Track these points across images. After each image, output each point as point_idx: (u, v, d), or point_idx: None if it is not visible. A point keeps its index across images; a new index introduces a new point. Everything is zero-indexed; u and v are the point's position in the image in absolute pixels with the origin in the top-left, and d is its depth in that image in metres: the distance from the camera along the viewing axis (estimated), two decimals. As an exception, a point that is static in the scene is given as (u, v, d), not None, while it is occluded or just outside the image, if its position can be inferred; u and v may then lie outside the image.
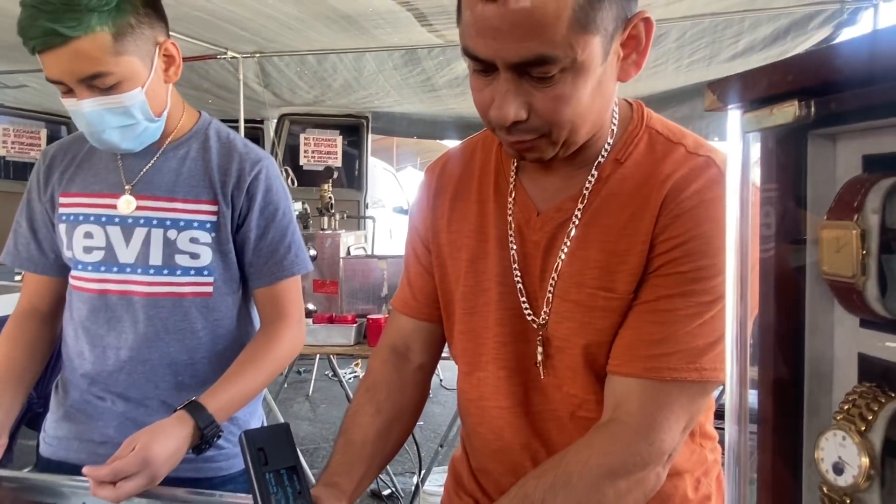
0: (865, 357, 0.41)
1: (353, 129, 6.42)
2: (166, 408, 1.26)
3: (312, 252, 3.23)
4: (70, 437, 1.32)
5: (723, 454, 0.49)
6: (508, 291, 0.94)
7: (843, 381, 0.43)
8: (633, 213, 0.86)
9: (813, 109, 0.40)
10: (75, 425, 1.32)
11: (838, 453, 0.39)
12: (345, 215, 4.06)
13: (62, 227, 1.31)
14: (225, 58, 4.79)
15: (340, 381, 4.09)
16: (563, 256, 0.89)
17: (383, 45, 4.61)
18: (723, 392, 0.50)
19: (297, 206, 3.63)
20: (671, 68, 4.71)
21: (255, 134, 6.26)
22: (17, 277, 3.16)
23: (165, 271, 1.27)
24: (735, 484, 0.47)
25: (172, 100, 1.28)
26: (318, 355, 4.72)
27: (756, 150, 0.46)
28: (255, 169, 1.31)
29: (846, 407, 0.39)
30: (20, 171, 6.09)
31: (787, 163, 0.44)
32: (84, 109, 1.15)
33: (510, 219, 0.94)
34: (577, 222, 0.89)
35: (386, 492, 3.39)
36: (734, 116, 0.45)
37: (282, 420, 3.32)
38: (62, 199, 1.31)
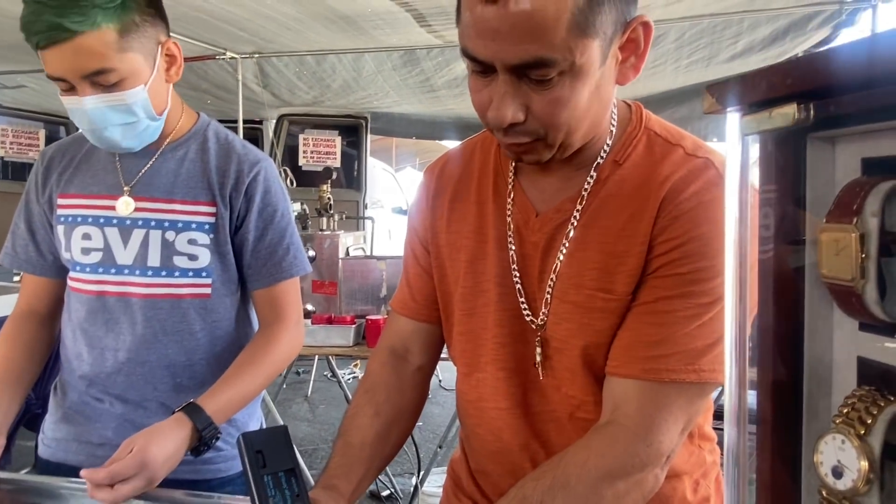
0: (865, 360, 0.41)
1: (351, 130, 6.42)
2: (165, 409, 1.26)
3: (311, 253, 3.23)
4: (68, 439, 1.32)
5: (721, 455, 0.49)
6: (507, 292, 0.94)
7: (842, 385, 0.43)
8: (632, 214, 0.86)
9: (812, 112, 0.39)
10: (74, 427, 1.32)
11: (837, 457, 0.39)
12: (343, 216, 4.06)
13: (60, 229, 1.30)
14: (224, 58, 4.78)
15: (339, 382, 4.10)
16: (561, 258, 0.90)
17: (382, 46, 4.61)
18: (722, 393, 0.49)
19: (296, 207, 3.62)
20: (670, 69, 4.72)
21: (253, 134, 6.26)
22: (16, 278, 3.16)
23: (164, 273, 1.27)
24: (734, 486, 0.47)
25: (172, 100, 1.28)
26: (316, 356, 4.72)
27: (755, 151, 0.46)
28: (254, 170, 1.31)
29: (845, 410, 0.39)
30: (18, 171, 6.09)
31: (785, 165, 0.44)
32: (86, 106, 1.15)
33: (509, 219, 0.94)
34: (575, 223, 0.89)
35: (385, 493, 3.39)
36: (733, 119, 0.44)
37: (280, 421, 3.32)
38: (60, 201, 1.31)
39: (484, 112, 0.81)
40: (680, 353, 0.82)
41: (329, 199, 3.75)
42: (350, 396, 3.55)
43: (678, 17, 3.99)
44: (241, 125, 5.17)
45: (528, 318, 0.93)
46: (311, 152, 6.26)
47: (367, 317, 2.89)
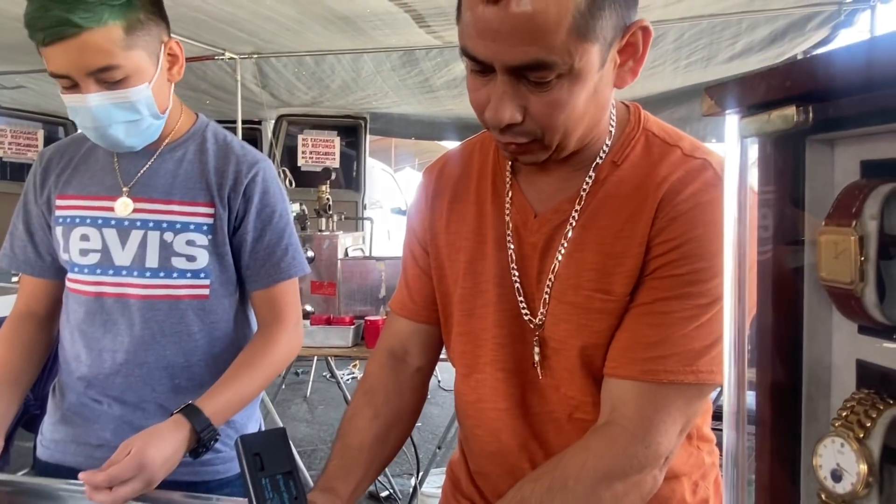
0: (864, 363, 0.41)
1: (351, 130, 6.42)
2: (163, 411, 1.25)
3: (310, 253, 3.23)
4: (67, 441, 1.32)
5: (720, 456, 0.49)
6: (506, 293, 0.94)
7: (841, 387, 0.43)
8: (630, 215, 0.86)
9: (811, 115, 0.39)
10: (72, 428, 1.32)
11: (836, 460, 0.39)
12: (342, 216, 4.06)
13: (58, 230, 1.30)
14: (222, 59, 4.78)
15: (338, 383, 4.10)
16: (559, 258, 0.90)
17: (381, 47, 4.61)
18: (720, 393, 0.49)
19: (295, 208, 3.62)
20: (669, 69, 4.72)
21: (252, 135, 6.26)
22: (14, 279, 3.16)
23: (162, 274, 1.27)
24: (733, 487, 0.47)
25: (171, 101, 1.28)
26: (315, 357, 4.71)
27: (754, 152, 0.46)
28: (252, 171, 1.31)
29: (844, 414, 0.39)
30: (17, 171, 6.08)
31: (784, 168, 0.44)
32: (90, 104, 1.15)
33: (508, 220, 0.95)
34: (573, 224, 0.89)
35: (384, 493, 3.38)
36: (732, 121, 0.44)
37: (279, 421, 3.32)
38: (58, 202, 1.31)
39: (482, 111, 0.82)
40: (678, 354, 0.82)
41: (328, 199, 3.74)
42: (349, 397, 3.55)
43: (677, 18, 3.99)
44: (239, 125, 5.17)
45: (526, 318, 0.92)
46: (310, 153, 6.26)
47: (366, 317, 2.89)
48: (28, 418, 2.15)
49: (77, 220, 1.29)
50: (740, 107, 0.44)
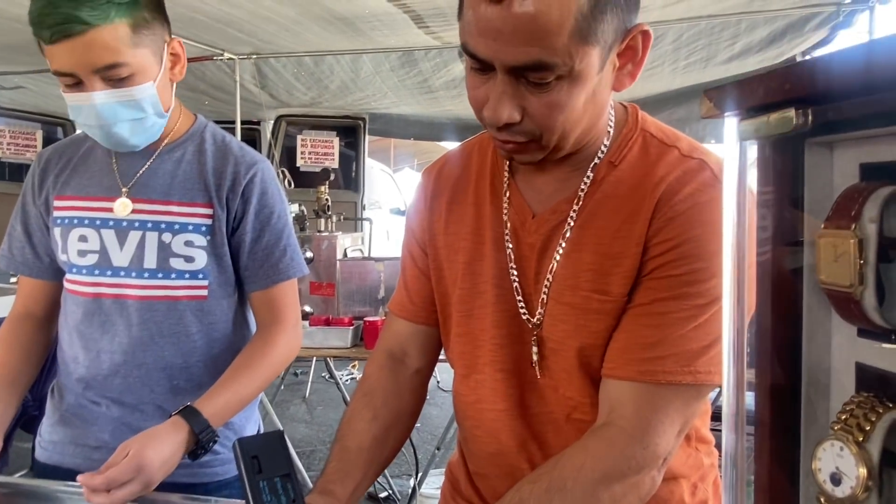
0: (863, 366, 0.41)
1: (350, 131, 6.42)
2: (161, 412, 1.25)
3: (309, 254, 3.22)
4: (65, 442, 1.32)
5: (719, 457, 0.49)
6: (505, 293, 0.94)
7: (840, 390, 0.43)
8: (627, 215, 0.86)
9: (810, 118, 0.39)
10: (71, 430, 1.32)
11: (836, 464, 0.39)
12: (341, 217, 4.06)
13: (57, 231, 1.30)
14: (221, 59, 4.78)
15: (337, 384, 4.09)
16: (557, 258, 0.90)
17: (380, 47, 4.61)
18: (719, 394, 0.49)
19: (294, 208, 3.62)
20: (668, 70, 4.72)
21: (251, 135, 6.26)
22: (13, 280, 3.15)
23: (160, 275, 1.27)
24: (732, 489, 0.47)
25: (173, 100, 1.28)
26: (314, 358, 4.71)
27: (752, 153, 0.46)
28: (251, 172, 1.31)
29: (844, 417, 0.39)
30: (16, 172, 6.08)
31: (784, 170, 0.44)
32: (95, 101, 1.15)
33: (506, 220, 0.95)
34: (571, 224, 0.89)
35: (383, 494, 3.38)
36: (731, 124, 0.44)
37: (278, 422, 3.32)
38: (57, 203, 1.31)
39: (480, 109, 0.82)
40: (676, 354, 0.82)
41: (327, 200, 3.74)
42: (348, 398, 3.55)
43: (676, 19, 3.99)
44: (238, 126, 5.17)
45: (525, 318, 0.92)
46: (309, 153, 6.25)
47: (365, 318, 2.89)
48: (26, 419, 2.15)
49: (75, 221, 1.28)
50: (739, 109, 0.44)
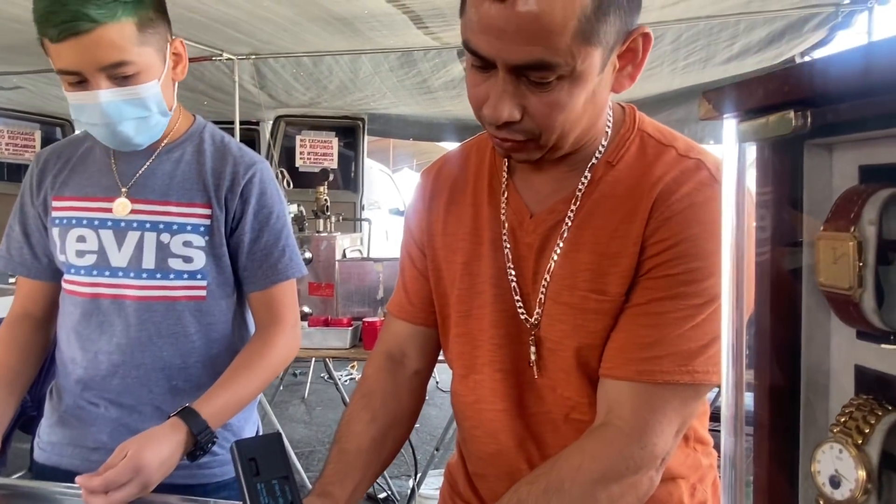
0: (862, 369, 0.41)
1: (349, 131, 6.42)
2: (160, 413, 1.25)
3: (308, 255, 3.22)
4: (64, 443, 1.32)
5: (718, 458, 0.49)
6: (503, 293, 0.94)
7: (839, 393, 0.43)
8: (625, 215, 0.86)
9: (809, 120, 0.39)
10: (69, 431, 1.31)
11: (835, 466, 0.39)
12: (340, 217, 4.06)
13: (55, 231, 1.30)
14: (220, 59, 4.78)
15: (336, 384, 4.09)
16: (555, 258, 0.90)
17: (379, 48, 4.61)
18: (718, 395, 0.49)
19: (293, 209, 3.62)
20: (666, 71, 4.72)
21: (250, 136, 6.25)
22: (11, 281, 3.15)
23: (158, 275, 1.27)
24: (731, 490, 0.47)
25: (175, 100, 1.29)
26: (313, 358, 4.71)
27: (751, 153, 0.46)
28: (250, 172, 1.31)
29: (843, 419, 0.39)
30: (15, 172, 6.07)
31: (783, 172, 0.44)
32: (101, 100, 1.15)
33: (503, 220, 0.95)
34: (569, 224, 0.89)
35: (382, 495, 3.38)
36: (730, 125, 0.44)
37: (277, 423, 3.32)
38: (55, 203, 1.31)
39: (479, 107, 0.82)
40: (673, 354, 0.82)
41: (326, 200, 3.74)
42: (347, 398, 3.55)
43: (675, 19, 4.00)
44: (237, 126, 5.17)
45: (523, 318, 0.92)
46: (308, 153, 6.25)
47: (364, 319, 2.89)
48: (25, 420, 2.14)
49: (73, 222, 1.28)
50: (738, 111, 0.44)
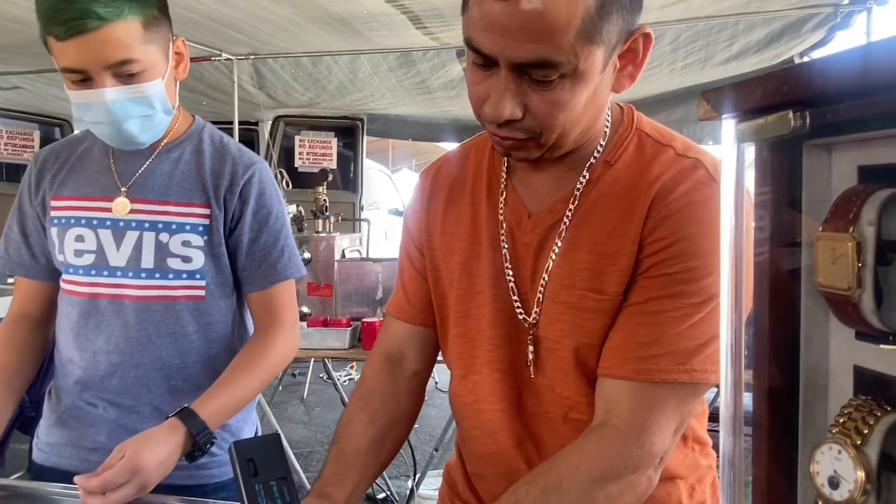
0: (861, 369, 0.41)
1: (348, 131, 6.42)
2: (159, 414, 1.25)
3: (307, 255, 3.22)
4: (62, 444, 1.31)
5: (717, 458, 0.49)
6: (501, 293, 0.94)
7: (838, 393, 0.43)
8: (623, 214, 0.86)
9: (808, 120, 0.39)
10: (67, 431, 1.31)
11: (834, 467, 0.38)
12: (339, 218, 4.06)
13: (53, 231, 1.30)
14: (219, 59, 4.78)
15: (335, 385, 4.09)
16: (553, 258, 0.90)
17: (378, 48, 4.61)
18: (717, 395, 0.49)
19: (292, 209, 3.62)
20: (665, 71, 4.72)
21: (249, 136, 6.25)
22: (10, 281, 3.15)
23: (157, 275, 1.27)
24: (729, 491, 0.47)
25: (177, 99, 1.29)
26: (312, 359, 4.71)
27: (750, 153, 0.46)
28: (248, 172, 1.31)
29: (842, 420, 0.39)
30: (13, 173, 6.07)
31: (781, 173, 0.44)
32: (106, 98, 1.15)
33: (502, 220, 0.95)
34: (567, 224, 0.89)
35: (381, 496, 3.38)
36: (728, 126, 0.44)
37: (276, 423, 3.31)
38: (53, 203, 1.31)
39: (480, 105, 0.82)
40: (671, 353, 0.82)
41: (325, 200, 3.74)
42: (346, 399, 3.55)
43: (674, 20, 4.00)
44: (236, 127, 5.17)
45: (521, 318, 0.92)
46: (307, 154, 6.25)
47: (363, 319, 2.89)
48: (23, 421, 2.14)
49: (72, 221, 1.28)
50: (737, 111, 0.44)
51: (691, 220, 0.83)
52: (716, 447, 0.91)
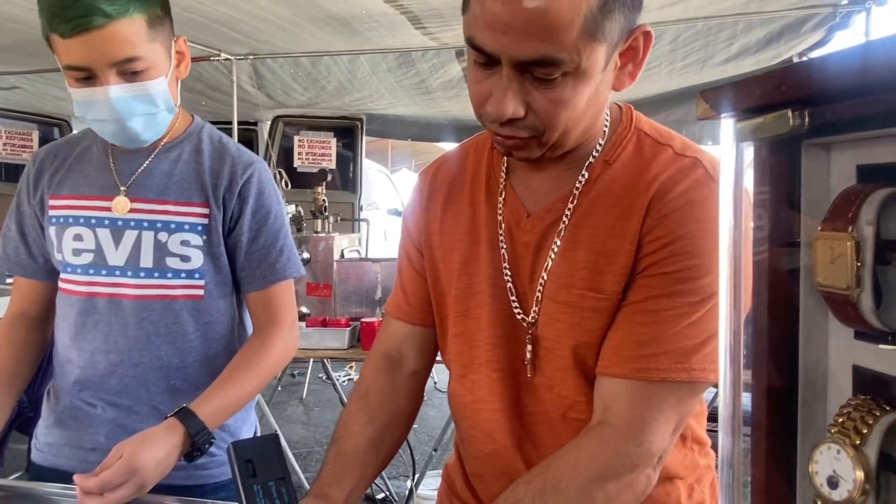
0: (860, 369, 0.41)
1: (347, 132, 6.41)
2: (157, 414, 1.25)
3: (306, 255, 3.22)
4: (61, 444, 1.31)
5: (716, 458, 0.48)
6: (500, 293, 0.94)
7: (837, 392, 0.43)
8: (621, 213, 0.86)
9: (807, 119, 0.39)
10: (66, 432, 1.31)
11: (833, 467, 0.38)
12: (339, 218, 4.05)
13: (52, 230, 1.30)
14: (218, 60, 4.78)
15: (334, 385, 4.08)
16: (552, 257, 0.90)
17: (377, 48, 4.61)
18: (716, 396, 0.49)
19: (291, 209, 3.61)
20: (665, 71, 4.73)
21: (248, 136, 6.25)
22: (9, 281, 3.14)
23: (156, 274, 1.26)
24: (728, 491, 0.47)
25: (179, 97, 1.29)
26: (311, 359, 4.71)
27: (749, 153, 0.46)
28: (248, 172, 1.31)
29: (841, 420, 0.39)
30: (12, 173, 6.06)
31: (780, 172, 0.44)
32: (111, 95, 1.16)
33: (500, 220, 0.95)
34: (566, 223, 0.89)
35: (380, 496, 3.38)
36: (727, 125, 0.44)
37: (275, 423, 3.31)
38: (52, 202, 1.31)
39: (482, 104, 0.81)
40: (669, 352, 0.82)
41: (324, 200, 3.73)
42: (345, 399, 3.55)
43: (673, 20, 4.00)
44: (235, 127, 5.16)
45: (519, 317, 0.92)
46: (307, 154, 6.25)
47: (362, 319, 2.89)
48: (22, 421, 2.14)
49: (70, 220, 1.28)
50: (736, 110, 0.43)
51: (690, 218, 0.83)
52: (715, 447, 0.91)
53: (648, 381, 0.83)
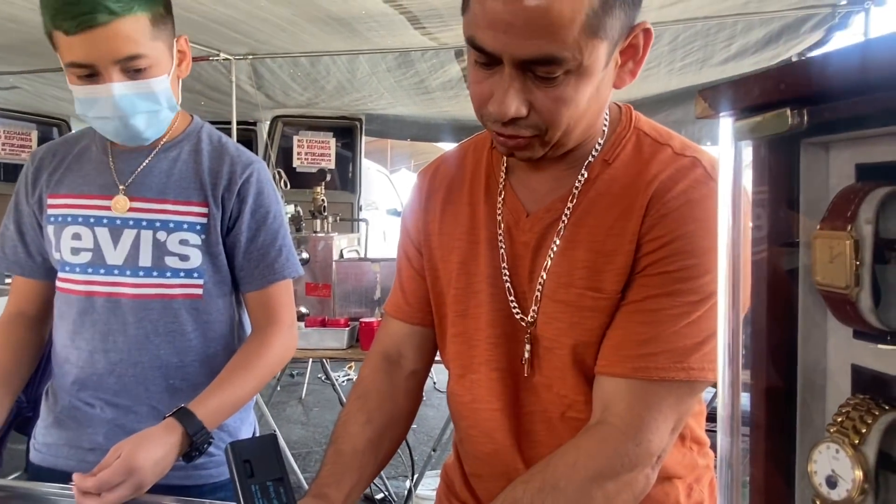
0: (859, 368, 0.41)
1: (346, 132, 6.41)
2: (156, 414, 1.25)
3: (305, 255, 3.21)
4: (59, 444, 1.31)
5: (715, 458, 0.48)
6: (499, 293, 0.94)
7: (836, 392, 0.43)
8: (621, 213, 0.86)
9: (806, 118, 0.39)
10: (65, 432, 1.31)
11: (832, 466, 0.38)
12: (338, 218, 4.05)
13: (50, 229, 1.30)
14: (217, 59, 4.77)
15: (333, 385, 4.08)
16: (552, 256, 0.90)
17: (376, 48, 4.61)
18: (715, 396, 0.49)
19: (290, 209, 3.61)
20: (664, 71, 4.73)
21: (247, 136, 6.25)
22: (8, 281, 3.14)
23: (155, 273, 1.26)
24: (727, 491, 0.47)
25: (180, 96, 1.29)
26: (310, 359, 4.70)
27: (748, 154, 0.45)
28: (247, 172, 1.31)
29: (839, 419, 0.39)
30: (11, 172, 6.06)
31: (779, 171, 0.44)
32: (114, 93, 1.16)
33: (500, 220, 0.95)
34: (566, 222, 0.89)
35: (379, 496, 3.38)
36: (726, 124, 0.44)
37: (273, 424, 3.31)
38: (50, 201, 1.31)
39: (483, 104, 0.81)
40: (668, 351, 0.82)
41: (323, 200, 3.73)
42: (344, 399, 3.55)
43: (672, 20, 4.00)
44: (234, 127, 5.16)
45: (518, 317, 0.92)
46: (306, 154, 6.24)
47: (361, 319, 2.88)
48: (21, 421, 2.13)
49: (69, 219, 1.28)
50: (734, 109, 0.43)
51: (689, 218, 0.83)
52: (713, 447, 0.91)
53: (647, 381, 0.83)
